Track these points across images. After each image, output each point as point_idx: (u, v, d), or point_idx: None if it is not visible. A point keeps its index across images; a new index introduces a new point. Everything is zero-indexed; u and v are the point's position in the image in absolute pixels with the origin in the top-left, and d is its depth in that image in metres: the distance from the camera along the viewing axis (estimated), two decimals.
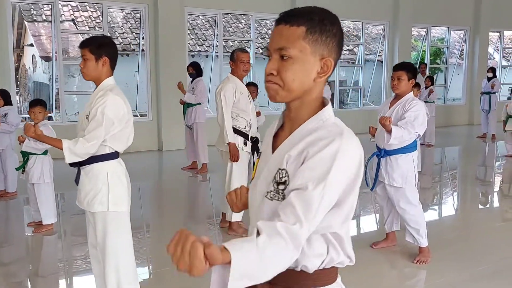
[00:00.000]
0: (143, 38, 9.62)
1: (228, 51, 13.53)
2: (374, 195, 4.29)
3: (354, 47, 14.45)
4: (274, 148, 1.33)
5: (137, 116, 10.41)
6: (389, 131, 3.62)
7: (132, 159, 8.32)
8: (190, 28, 13.31)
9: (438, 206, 6.13)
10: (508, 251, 4.26)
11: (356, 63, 13.76)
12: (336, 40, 1.28)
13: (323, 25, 1.25)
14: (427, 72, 13.82)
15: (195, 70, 7.34)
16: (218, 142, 4.54)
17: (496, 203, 6.40)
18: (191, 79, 7.44)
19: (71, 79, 12.05)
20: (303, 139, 1.23)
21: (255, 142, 4.48)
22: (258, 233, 1.10)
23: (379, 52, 13.31)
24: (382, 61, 12.89)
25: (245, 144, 4.45)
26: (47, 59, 10.93)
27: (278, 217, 1.14)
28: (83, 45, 2.63)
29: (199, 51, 13.03)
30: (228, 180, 4.45)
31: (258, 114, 5.72)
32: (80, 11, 11.97)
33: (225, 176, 4.47)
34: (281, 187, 1.23)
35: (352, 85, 13.44)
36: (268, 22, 13.92)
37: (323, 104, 1.31)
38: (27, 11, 11.47)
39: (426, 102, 10.04)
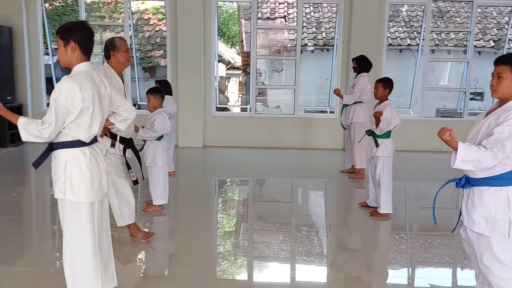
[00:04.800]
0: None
1: (447, 44, 11.77)
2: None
3: None
4: None
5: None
6: (455, 149, 2.48)
7: (312, 156, 8.39)
8: (407, 20, 12.11)
9: None
10: None
11: None
12: None
13: None
14: None
15: (359, 65, 6.64)
16: None
17: None
18: (355, 74, 6.77)
19: (274, 74, 12.63)
20: None
21: (128, 142, 3.90)
22: None
23: None
24: None
25: (112, 145, 3.86)
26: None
27: None
28: (56, 31, 2.68)
29: (409, 44, 11.70)
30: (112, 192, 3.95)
31: (379, 114, 4.77)
32: (295, 7, 12.34)
33: None
34: None
35: None
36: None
37: None
38: (247, 10, 12.58)
39: None
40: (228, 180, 7.06)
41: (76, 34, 2.61)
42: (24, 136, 2.55)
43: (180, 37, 8.76)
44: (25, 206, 5.65)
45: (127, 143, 4.01)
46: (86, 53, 2.67)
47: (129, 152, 4.05)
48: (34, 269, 3.73)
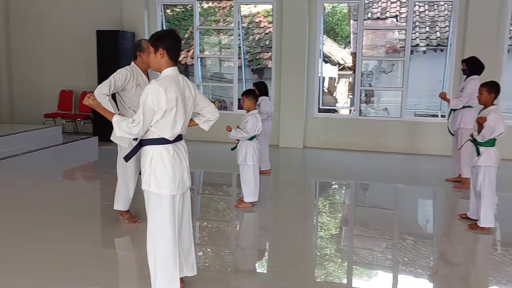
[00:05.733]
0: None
1: None
2: None
3: None
4: None
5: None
6: None
7: (418, 162, 8.03)
8: None
9: None
10: None
11: None
12: None
13: None
14: None
15: (469, 67, 6.17)
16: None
17: None
18: (465, 76, 6.31)
19: (382, 75, 12.14)
20: None
21: None
22: None
23: None
24: None
25: (136, 138, 3.77)
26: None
27: None
28: (148, 39, 2.94)
29: None
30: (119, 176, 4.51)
31: (482, 120, 4.39)
32: (407, 6, 11.75)
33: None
34: None
35: None
36: None
37: None
38: (356, 10, 12.26)
39: None
40: (327, 182, 7.04)
41: (164, 41, 2.85)
42: (117, 132, 2.86)
43: (285, 38, 8.92)
44: (139, 196, 6.21)
45: None
46: (173, 58, 2.90)
47: None
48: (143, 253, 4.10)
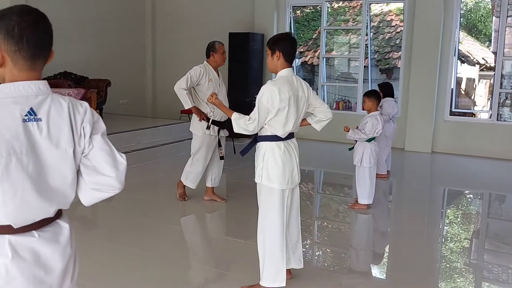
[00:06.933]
0: None
1: None
2: None
3: None
4: None
5: None
6: None
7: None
8: None
9: None
10: None
11: None
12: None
13: None
14: None
15: None
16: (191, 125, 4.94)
17: None
18: None
19: None
20: None
21: (221, 124, 4.79)
22: None
23: None
24: None
25: (208, 128, 4.75)
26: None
27: None
28: (266, 43, 3.11)
29: None
30: (191, 159, 4.98)
31: None
32: None
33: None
34: None
35: None
36: None
37: None
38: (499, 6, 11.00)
39: None
40: (457, 190, 6.60)
41: (280, 44, 3.01)
42: (235, 128, 3.09)
43: (416, 37, 8.55)
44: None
45: (221, 125, 4.79)
46: (288, 60, 3.04)
47: (224, 132, 4.94)
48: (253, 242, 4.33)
